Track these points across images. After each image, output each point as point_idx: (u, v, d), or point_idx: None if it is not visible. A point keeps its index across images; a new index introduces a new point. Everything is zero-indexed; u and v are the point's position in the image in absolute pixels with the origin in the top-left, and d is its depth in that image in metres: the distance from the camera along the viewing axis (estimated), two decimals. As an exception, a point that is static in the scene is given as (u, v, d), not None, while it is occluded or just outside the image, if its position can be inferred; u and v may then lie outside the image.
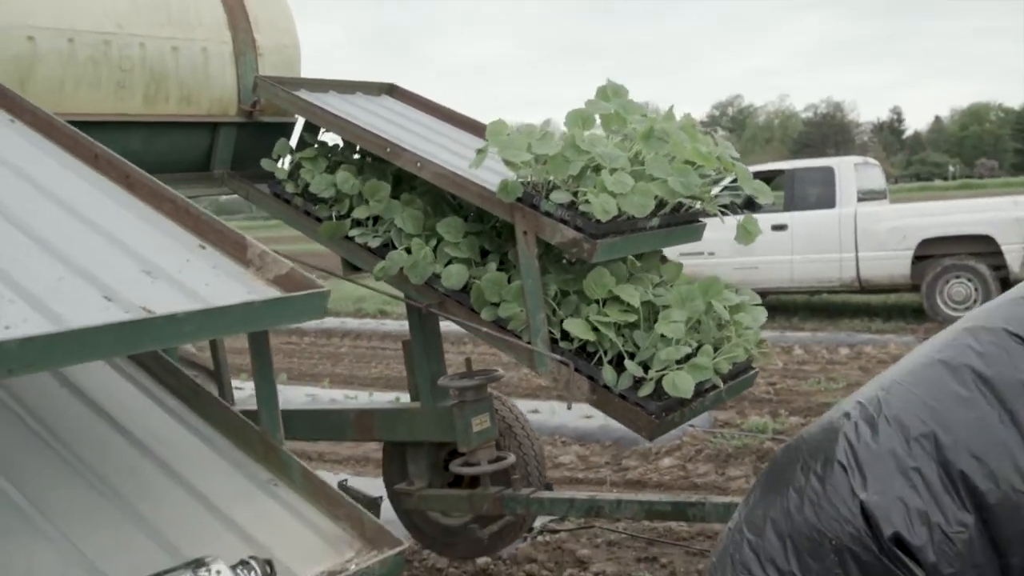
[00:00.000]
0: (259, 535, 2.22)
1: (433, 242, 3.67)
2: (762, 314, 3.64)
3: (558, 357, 3.35)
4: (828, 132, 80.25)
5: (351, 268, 3.96)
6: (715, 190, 3.80)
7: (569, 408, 3.50)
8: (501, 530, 4.27)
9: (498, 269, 3.62)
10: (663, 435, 3.48)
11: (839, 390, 8.46)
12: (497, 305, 3.50)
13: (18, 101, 2.92)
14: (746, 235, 3.62)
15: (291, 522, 2.29)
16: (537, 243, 3.37)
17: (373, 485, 5.07)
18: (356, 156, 4.15)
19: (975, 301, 11.17)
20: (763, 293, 7.54)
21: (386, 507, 4.41)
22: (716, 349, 3.45)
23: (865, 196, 12.48)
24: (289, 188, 4.00)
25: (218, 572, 1.84)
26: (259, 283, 2.29)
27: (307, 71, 4.43)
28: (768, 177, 11.66)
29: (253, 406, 2.56)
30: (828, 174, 12.35)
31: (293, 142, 4.26)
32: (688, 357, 3.31)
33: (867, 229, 11.88)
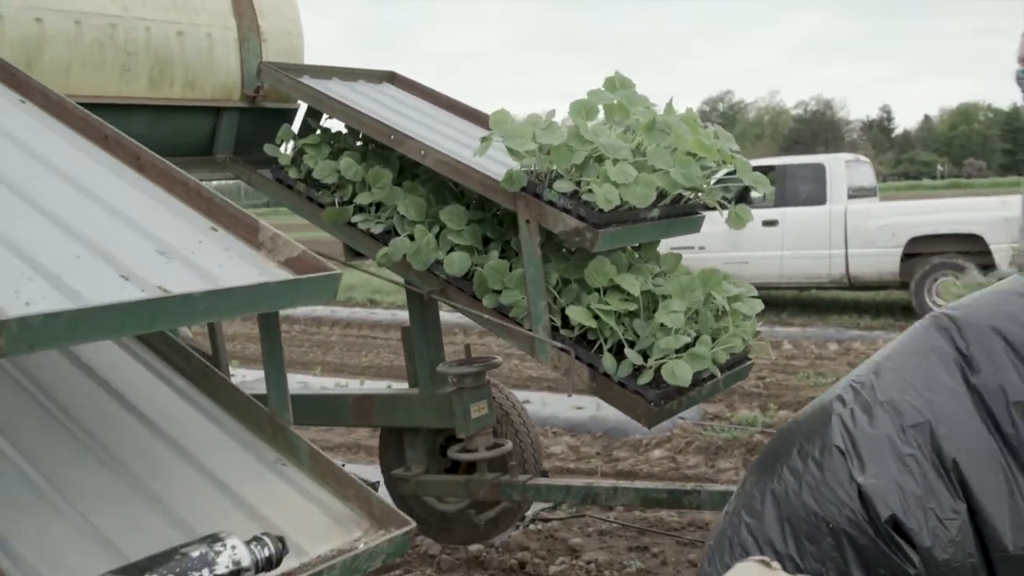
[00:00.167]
0: (268, 513, 2.25)
1: (435, 229, 3.70)
2: (758, 304, 3.69)
3: (559, 344, 3.39)
4: (818, 129, 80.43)
5: (353, 254, 3.99)
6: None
7: (570, 395, 3.54)
8: (497, 516, 4.31)
9: (500, 257, 3.66)
10: (660, 423, 3.52)
11: (828, 385, 8.50)
12: (499, 293, 3.53)
13: (28, 82, 2.94)
14: (737, 220, 3.66)
15: (300, 501, 2.32)
16: (539, 232, 3.41)
17: (365, 472, 5.11)
18: (359, 143, 4.17)
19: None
20: (754, 288, 7.57)
21: (381, 493, 4.45)
22: (714, 339, 3.49)
23: (856, 193, 12.55)
24: (292, 174, 4.03)
25: (233, 547, 1.86)
26: (271, 265, 2.32)
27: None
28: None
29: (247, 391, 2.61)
30: (819, 171, 12.41)
31: (295, 128, 4.29)
32: (687, 347, 3.35)
33: (857, 226, 11.95)
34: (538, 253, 3.40)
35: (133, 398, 2.51)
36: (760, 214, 11.96)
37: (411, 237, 3.69)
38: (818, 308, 13.10)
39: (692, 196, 3.69)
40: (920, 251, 11.57)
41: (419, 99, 4.51)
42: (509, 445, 4.11)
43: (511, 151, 3.37)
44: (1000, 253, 11.14)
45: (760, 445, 6.67)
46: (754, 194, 11.87)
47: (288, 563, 2.02)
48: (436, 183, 3.94)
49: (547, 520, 5.28)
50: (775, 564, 1.66)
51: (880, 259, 11.78)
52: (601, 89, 3.61)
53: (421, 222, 3.71)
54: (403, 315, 13.66)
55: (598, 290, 3.43)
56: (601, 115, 3.56)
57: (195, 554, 1.82)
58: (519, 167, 3.42)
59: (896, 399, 2.16)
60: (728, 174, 3.70)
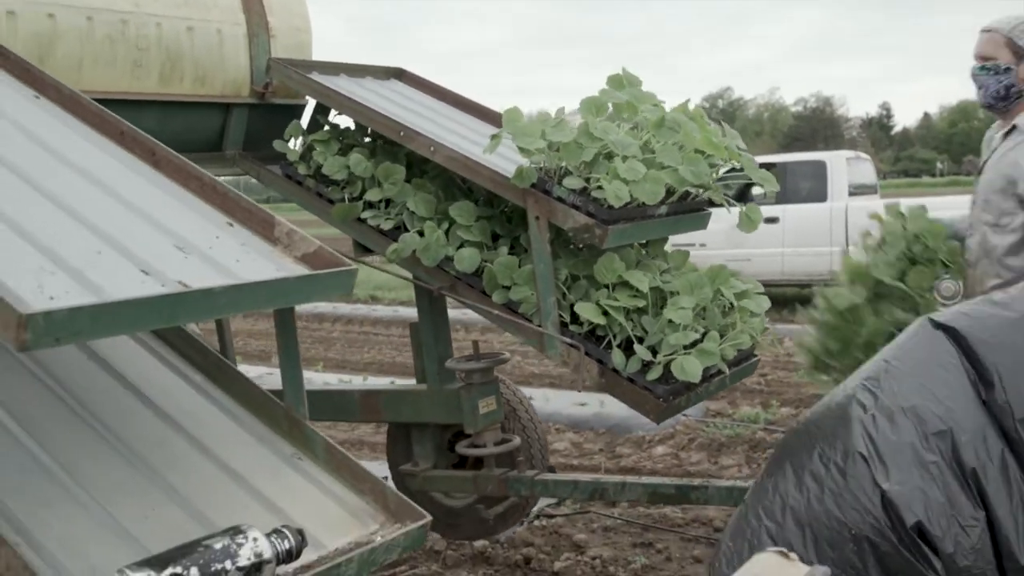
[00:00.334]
0: (285, 506, 2.27)
1: (445, 225, 3.72)
2: (765, 301, 3.71)
3: (568, 340, 3.41)
4: (818, 126, 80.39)
5: (362, 250, 4.00)
6: None
7: (580, 391, 3.56)
8: (505, 511, 4.33)
9: (508, 253, 3.67)
10: (669, 418, 3.54)
11: (829, 382, 8.53)
12: (508, 289, 3.56)
13: (42, 77, 2.96)
14: (748, 223, 3.68)
15: (316, 494, 2.34)
16: (549, 228, 3.43)
17: (369, 468, 5.11)
18: (367, 139, 4.19)
19: (963, 296, 11.25)
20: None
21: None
22: (721, 336, 3.51)
23: (856, 190, 12.56)
24: (301, 170, 4.04)
25: (255, 539, 1.89)
26: (287, 260, 2.34)
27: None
28: (761, 170, 11.72)
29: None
30: (820, 168, 12.43)
31: (303, 124, 4.31)
32: (695, 343, 3.37)
33: (858, 223, 11.94)
34: (548, 249, 3.42)
35: (150, 392, 2.54)
36: (761, 211, 11.96)
37: (421, 233, 3.71)
38: (819, 305, 13.10)
39: (699, 193, 3.71)
40: (921, 248, 11.55)
41: (427, 96, 4.52)
42: (517, 441, 4.13)
43: (521, 149, 3.39)
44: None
45: (763, 442, 6.70)
46: (755, 191, 11.90)
47: (306, 555, 2.05)
48: (444, 179, 3.95)
49: (552, 516, 5.30)
50: (793, 555, 1.68)
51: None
52: (608, 88, 3.63)
53: (431, 218, 3.73)
54: (404, 311, 13.67)
55: (607, 286, 3.45)
56: (610, 110, 3.58)
57: (218, 546, 1.84)
58: (529, 164, 3.44)
59: (919, 406, 2.18)
60: (728, 171, 3.71)
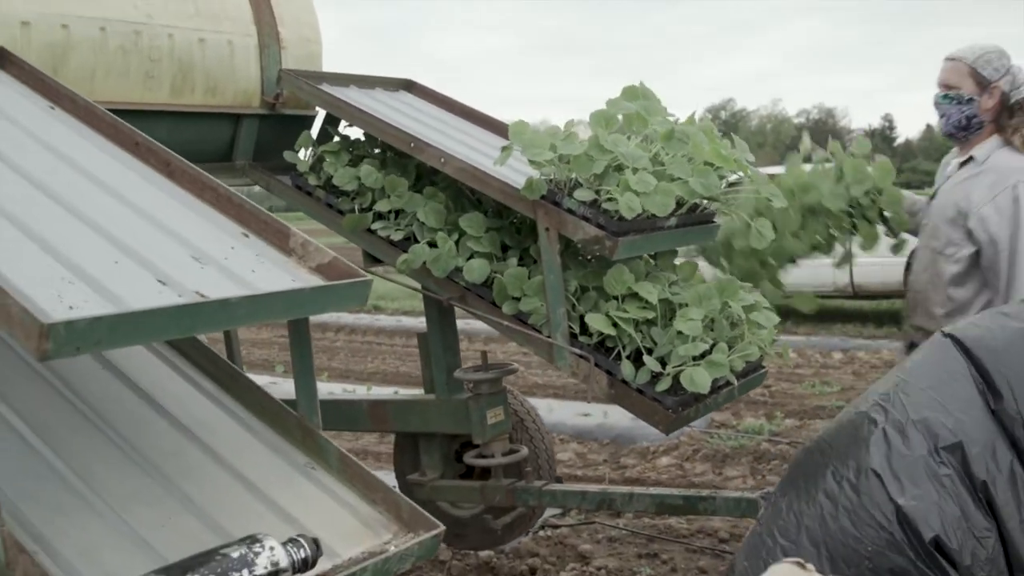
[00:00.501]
0: (299, 516, 2.28)
1: (455, 236, 3.73)
2: (774, 316, 3.73)
3: (578, 351, 3.43)
4: (820, 138, 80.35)
5: (372, 260, 4.02)
6: None
7: (589, 401, 3.57)
8: (512, 522, 4.34)
9: (518, 264, 3.69)
10: (677, 430, 3.55)
11: (833, 393, 8.56)
12: (518, 300, 3.57)
13: (57, 88, 2.98)
14: (760, 239, 3.69)
15: (329, 504, 2.35)
16: (559, 239, 3.44)
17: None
18: (377, 150, 4.21)
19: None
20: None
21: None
22: (729, 347, 3.52)
23: (860, 202, 12.53)
24: (311, 180, 4.07)
25: (271, 548, 1.90)
26: (302, 271, 2.35)
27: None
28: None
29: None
30: (825, 179, 12.41)
31: (313, 135, 4.33)
32: (704, 354, 3.39)
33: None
34: (558, 261, 3.43)
35: (164, 401, 2.55)
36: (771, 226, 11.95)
37: (431, 244, 3.72)
38: (822, 317, 13.11)
39: (708, 205, 3.73)
40: (925, 261, 11.56)
41: (436, 107, 4.55)
42: (525, 451, 4.14)
43: (531, 161, 3.41)
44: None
45: (767, 453, 6.71)
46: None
47: (321, 565, 2.05)
48: (454, 191, 3.97)
49: (557, 526, 5.31)
50: (809, 565, 1.68)
51: (885, 268, 11.79)
52: (620, 98, 3.65)
53: (440, 229, 3.75)
54: (408, 321, 13.69)
55: (616, 298, 3.46)
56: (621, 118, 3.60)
57: (235, 555, 1.85)
58: (539, 176, 3.46)
59: (929, 418, 2.18)
60: (731, 184, 3.73)
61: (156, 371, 2.67)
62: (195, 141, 4.00)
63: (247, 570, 1.85)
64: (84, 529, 2.08)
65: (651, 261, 3.87)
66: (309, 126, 4.39)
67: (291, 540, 1.97)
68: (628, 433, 7.18)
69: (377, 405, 4.44)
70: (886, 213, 4.03)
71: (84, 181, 2.51)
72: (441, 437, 4.36)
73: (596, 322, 3.36)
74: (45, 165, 2.53)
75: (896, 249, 4.22)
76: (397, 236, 3.84)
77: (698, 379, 3.25)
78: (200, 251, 2.29)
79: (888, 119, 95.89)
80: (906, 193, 4.12)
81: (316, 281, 2.29)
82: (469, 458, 4.17)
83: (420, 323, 13.50)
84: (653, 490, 4.02)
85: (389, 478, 4.79)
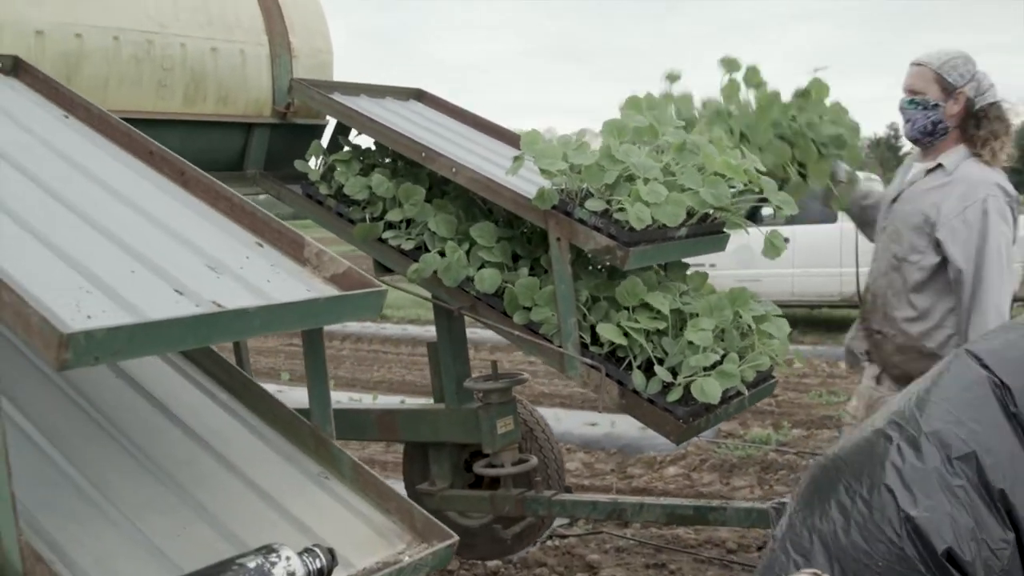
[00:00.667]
0: (313, 525, 2.28)
1: (465, 246, 3.73)
2: (785, 325, 3.72)
3: (589, 361, 3.43)
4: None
5: (382, 270, 4.02)
6: None
7: (600, 411, 3.57)
8: (522, 531, 4.34)
9: (529, 274, 3.69)
10: (687, 440, 3.55)
11: (840, 403, 8.54)
12: (529, 309, 3.57)
13: (71, 97, 2.99)
14: (773, 249, 3.69)
15: (343, 513, 2.35)
16: (570, 249, 3.44)
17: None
18: (387, 160, 4.21)
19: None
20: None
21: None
22: (740, 357, 3.52)
23: (867, 212, 12.53)
24: (322, 189, 4.07)
25: (288, 558, 1.90)
26: (317, 281, 2.36)
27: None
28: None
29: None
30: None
31: (323, 144, 4.34)
32: (715, 365, 3.39)
33: (868, 245, 11.93)
34: (569, 271, 3.43)
35: (177, 410, 2.55)
36: (783, 236, 11.94)
37: (442, 253, 3.73)
38: (829, 326, 13.11)
39: (717, 215, 3.73)
40: (932, 270, 11.55)
41: (446, 116, 4.55)
42: (535, 461, 4.14)
43: (543, 170, 3.41)
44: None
45: (774, 463, 6.70)
46: (765, 211, 11.90)
47: (336, 575, 2.06)
48: (465, 200, 3.98)
49: (564, 536, 5.31)
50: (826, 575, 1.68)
51: (891, 278, 11.78)
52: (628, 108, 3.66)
53: (452, 239, 3.75)
54: (414, 330, 13.69)
55: (627, 308, 3.46)
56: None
57: (252, 565, 1.86)
58: (550, 185, 3.46)
59: (941, 430, 2.18)
60: (744, 192, 3.73)
61: (169, 380, 2.67)
62: (207, 150, 4.00)
63: (264, 580, 1.85)
64: (99, 538, 2.08)
65: (661, 271, 3.87)
66: (319, 135, 4.39)
67: (307, 550, 1.98)
68: (635, 443, 7.18)
69: (386, 414, 4.44)
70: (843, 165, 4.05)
71: (99, 190, 2.51)
72: (451, 446, 4.36)
73: (608, 332, 3.36)
74: (60, 174, 2.53)
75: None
76: (408, 245, 3.84)
77: (709, 389, 3.25)
78: (215, 260, 2.29)
79: (893, 128, 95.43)
80: (864, 183, 4.14)
81: (331, 291, 2.30)
82: (479, 468, 4.18)
83: (426, 332, 13.55)
84: (664, 500, 4.02)
85: (396, 487, 4.78)
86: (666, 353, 3.43)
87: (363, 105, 4.17)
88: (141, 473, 2.32)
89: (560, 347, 3.48)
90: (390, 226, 3.92)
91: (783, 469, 6.56)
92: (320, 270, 2.39)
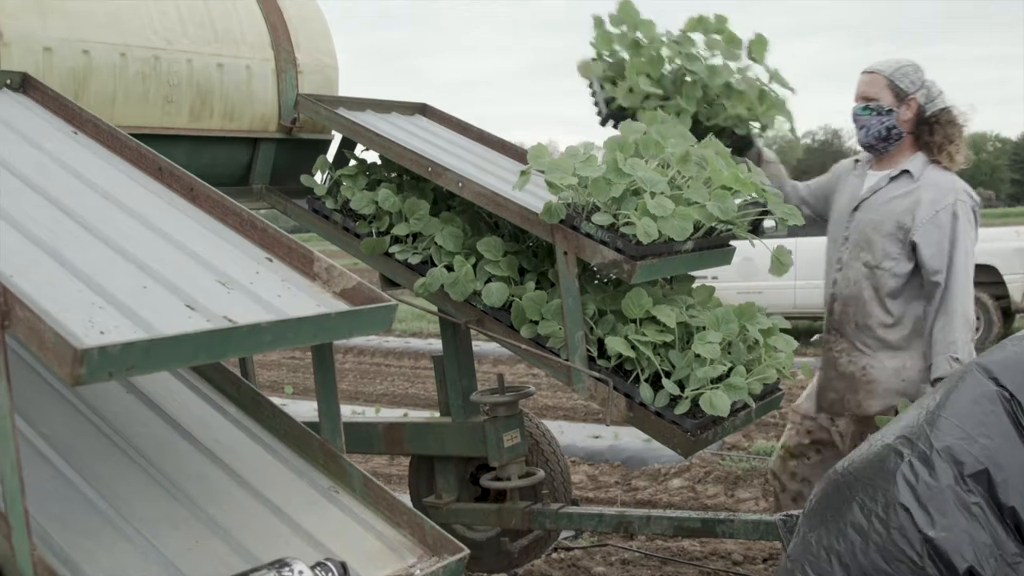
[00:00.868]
0: (325, 539, 2.29)
1: (472, 260, 3.74)
2: (792, 341, 3.74)
3: (596, 374, 3.43)
4: (827, 159, 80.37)
5: (389, 284, 4.03)
6: None
7: (608, 424, 3.57)
8: (529, 544, 4.34)
9: (535, 288, 3.70)
10: (696, 452, 3.55)
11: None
12: (536, 323, 3.58)
13: (80, 113, 3.00)
14: (780, 267, 3.70)
15: (354, 527, 2.36)
16: (577, 263, 3.45)
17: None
18: (393, 174, 4.23)
19: (977, 330, 11.26)
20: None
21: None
22: (747, 370, 3.53)
23: (869, 224, 12.53)
24: (329, 204, 4.08)
25: (300, 572, 1.91)
26: (327, 296, 2.37)
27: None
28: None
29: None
30: (833, 201, 12.41)
31: (329, 159, 4.35)
32: (722, 377, 3.39)
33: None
34: (576, 284, 3.44)
35: (188, 425, 2.56)
36: (773, 244, 11.94)
37: (449, 267, 3.74)
38: (831, 338, 13.07)
39: (723, 229, 3.74)
40: (934, 282, 11.55)
41: (451, 131, 4.57)
42: (541, 474, 4.14)
43: (550, 184, 3.42)
44: (1014, 284, 11.16)
45: (779, 475, 6.68)
46: (767, 223, 11.90)
47: (348, 588, 2.06)
48: (471, 214, 3.99)
49: (569, 549, 5.30)
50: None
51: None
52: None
53: (458, 253, 3.76)
54: (416, 343, 13.69)
55: (634, 321, 3.47)
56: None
57: (265, 579, 1.86)
58: (556, 200, 3.47)
59: (953, 446, 2.18)
60: (749, 204, 3.74)
61: (180, 395, 2.68)
62: (213, 165, 4.02)
63: (277, 594, 1.85)
64: (112, 553, 2.09)
65: (667, 284, 3.88)
66: (325, 150, 4.41)
67: (319, 564, 1.99)
68: (639, 455, 7.17)
69: (392, 428, 4.44)
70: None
71: (109, 206, 2.53)
72: (457, 460, 4.36)
73: (615, 345, 3.37)
74: (72, 190, 2.55)
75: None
76: (415, 260, 3.85)
77: (717, 402, 3.26)
78: (226, 276, 2.31)
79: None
80: (772, 165, 4.23)
81: (341, 306, 2.31)
82: (485, 481, 4.17)
83: (429, 345, 13.55)
84: (671, 513, 4.01)
85: (402, 500, 4.79)
86: (673, 366, 3.43)
87: (369, 120, 4.18)
88: (153, 488, 2.33)
89: (567, 360, 3.49)
90: (396, 240, 3.92)
91: (788, 482, 6.54)
92: (330, 285, 2.40)
